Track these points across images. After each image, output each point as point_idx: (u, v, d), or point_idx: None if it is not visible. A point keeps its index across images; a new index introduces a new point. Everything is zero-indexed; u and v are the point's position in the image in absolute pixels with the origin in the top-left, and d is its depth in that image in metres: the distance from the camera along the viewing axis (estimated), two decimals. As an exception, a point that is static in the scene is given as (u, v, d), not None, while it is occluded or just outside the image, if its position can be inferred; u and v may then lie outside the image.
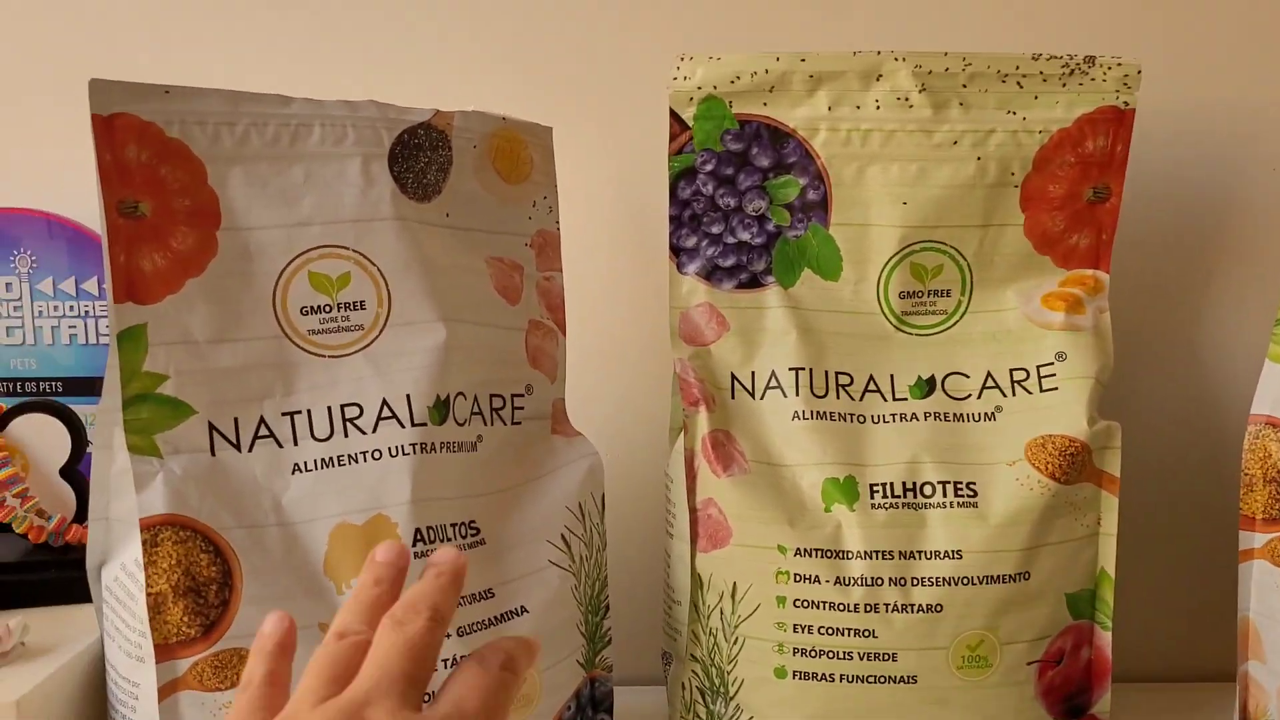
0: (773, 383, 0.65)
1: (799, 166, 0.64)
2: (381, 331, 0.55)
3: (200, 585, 0.49)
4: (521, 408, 0.62)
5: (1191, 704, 0.74)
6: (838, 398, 0.64)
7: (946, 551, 0.62)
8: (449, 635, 0.54)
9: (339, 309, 0.54)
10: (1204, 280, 0.79)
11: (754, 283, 0.65)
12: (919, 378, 0.65)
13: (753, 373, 0.65)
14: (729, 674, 0.66)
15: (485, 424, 0.59)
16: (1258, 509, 0.60)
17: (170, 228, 0.50)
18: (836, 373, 0.64)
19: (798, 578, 0.63)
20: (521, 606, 0.59)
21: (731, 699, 0.66)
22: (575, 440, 0.65)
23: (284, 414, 0.52)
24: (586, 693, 0.65)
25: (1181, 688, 0.78)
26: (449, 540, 0.56)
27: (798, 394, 0.64)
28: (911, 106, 0.63)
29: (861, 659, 0.63)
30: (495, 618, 0.58)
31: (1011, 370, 0.64)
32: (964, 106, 0.63)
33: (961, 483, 0.63)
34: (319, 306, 0.54)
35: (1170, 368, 0.80)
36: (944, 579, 0.62)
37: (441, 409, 0.56)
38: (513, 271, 0.62)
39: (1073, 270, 0.65)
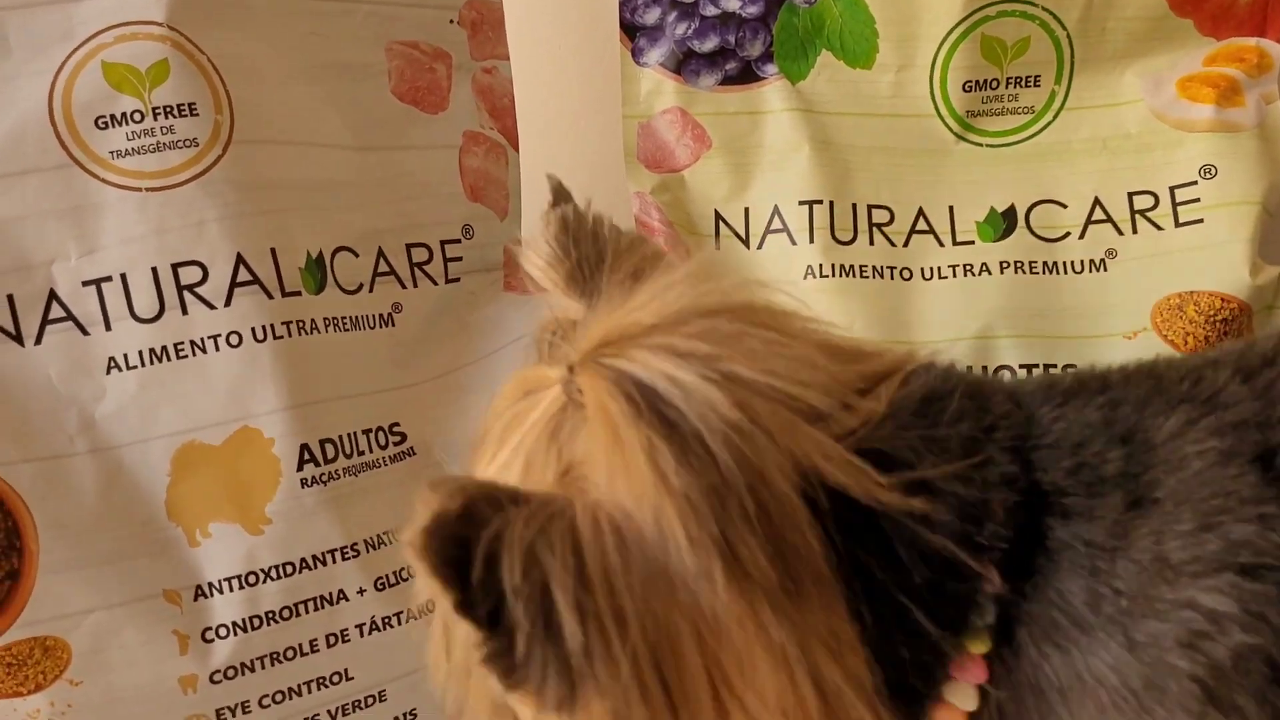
0: (776, 224, 0.48)
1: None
2: (225, 149, 0.39)
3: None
4: (458, 258, 0.47)
5: None
6: (871, 243, 0.48)
7: (1032, 468, 0.44)
8: (362, 592, 0.42)
9: (155, 114, 0.38)
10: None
11: (747, 75, 0.48)
12: (992, 210, 0.48)
13: (746, 210, 0.49)
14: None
15: (402, 286, 0.45)
16: None
17: None
18: (870, 206, 0.48)
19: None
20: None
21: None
22: (537, 300, 0.48)
23: (86, 283, 0.38)
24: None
25: None
26: (361, 454, 0.42)
27: (812, 240, 0.48)
28: None
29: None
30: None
31: (1132, 195, 0.48)
32: None
33: (1055, 366, 0.46)
34: (125, 115, 0.38)
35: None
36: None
37: (315, 271, 0.41)
38: (433, 63, 0.46)
39: (1227, 40, 0.47)
